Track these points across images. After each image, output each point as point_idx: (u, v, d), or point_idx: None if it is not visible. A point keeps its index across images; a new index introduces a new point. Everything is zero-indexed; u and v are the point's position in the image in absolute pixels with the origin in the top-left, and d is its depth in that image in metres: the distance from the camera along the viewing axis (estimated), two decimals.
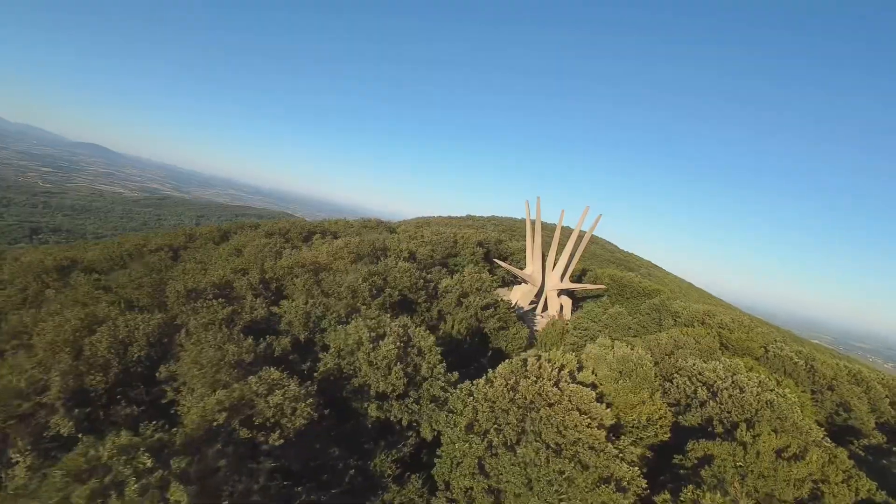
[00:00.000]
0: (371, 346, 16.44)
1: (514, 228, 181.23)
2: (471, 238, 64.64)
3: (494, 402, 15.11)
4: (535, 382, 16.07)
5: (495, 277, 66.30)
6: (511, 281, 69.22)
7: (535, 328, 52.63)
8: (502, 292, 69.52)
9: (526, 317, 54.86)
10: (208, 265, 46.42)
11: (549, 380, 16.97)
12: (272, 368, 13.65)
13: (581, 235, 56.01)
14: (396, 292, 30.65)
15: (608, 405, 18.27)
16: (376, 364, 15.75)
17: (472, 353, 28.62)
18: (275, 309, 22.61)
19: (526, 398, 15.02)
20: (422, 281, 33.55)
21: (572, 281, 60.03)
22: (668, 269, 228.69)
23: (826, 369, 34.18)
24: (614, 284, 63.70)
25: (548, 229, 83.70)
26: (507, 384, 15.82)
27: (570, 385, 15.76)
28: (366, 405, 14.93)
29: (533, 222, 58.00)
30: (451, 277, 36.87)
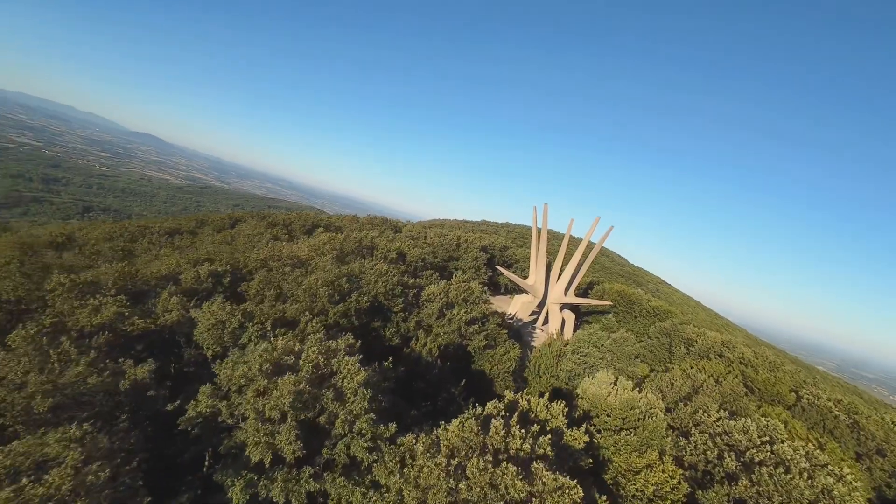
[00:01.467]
0: (266, 382, 10.73)
1: (525, 236, 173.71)
2: (474, 242, 58.38)
3: (427, 493, 9.18)
4: (493, 464, 9.98)
5: (488, 288, 59.94)
6: (514, 289, 62.64)
7: (531, 342, 46.02)
8: (503, 300, 63.02)
9: (524, 329, 48.33)
10: (175, 253, 41.64)
11: (518, 453, 10.86)
12: (72, 426, 8.10)
13: (590, 247, 49.15)
14: (366, 298, 24.81)
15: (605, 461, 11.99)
16: (264, 413, 10.05)
17: (445, 379, 22.52)
18: (195, 313, 17.13)
19: (473, 492, 9.04)
20: (399, 287, 27.57)
21: (577, 295, 53.14)
22: (675, 286, 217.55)
23: (874, 427, 26.81)
24: (622, 301, 56.52)
25: (556, 238, 76.68)
26: (450, 462, 9.84)
27: (545, 473, 9.63)
28: (231, 481, 9.16)
29: (539, 230, 51.44)
30: (439, 284, 30.85)
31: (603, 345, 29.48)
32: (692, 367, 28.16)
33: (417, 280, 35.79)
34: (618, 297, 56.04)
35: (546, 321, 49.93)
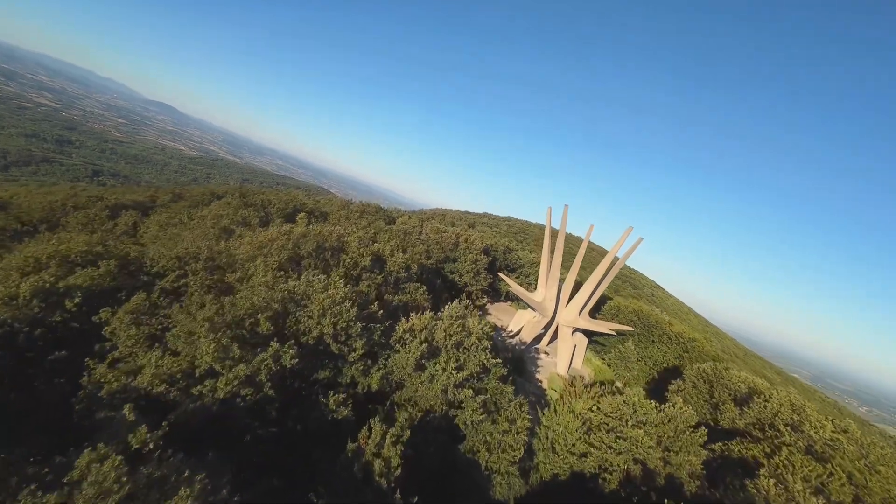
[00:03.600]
0: None
1: (526, 232, 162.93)
2: (475, 242, 47.81)
3: None
4: None
5: (487, 295, 49.86)
6: (517, 296, 52.39)
7: (536, 373, 36.07)
8: (503, 309, 52.93)
9: (527, 354, 38.37)
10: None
11: None
12: None
13: (614, 262, 38.75)
14: (292, 346, 14.42)
15: None
16: None
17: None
18: None
19: None
20: (357, 325, 16.99)
21: (592, 316, 43.09)
22: (668, 290, 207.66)
23: None
24: (639, 322, 46.41)
25: (568, 244, 65.54)
26: None
27: None
28: None
29: (554, 235, 41.04)
30: (419, 316, 20.48)
31: (649, 418, 19.44)
32: (781, 467, 18.20)
33: (398, 298, 25.43)
34: (634, 317, 45.94)
35: (554, 337, 39.90)
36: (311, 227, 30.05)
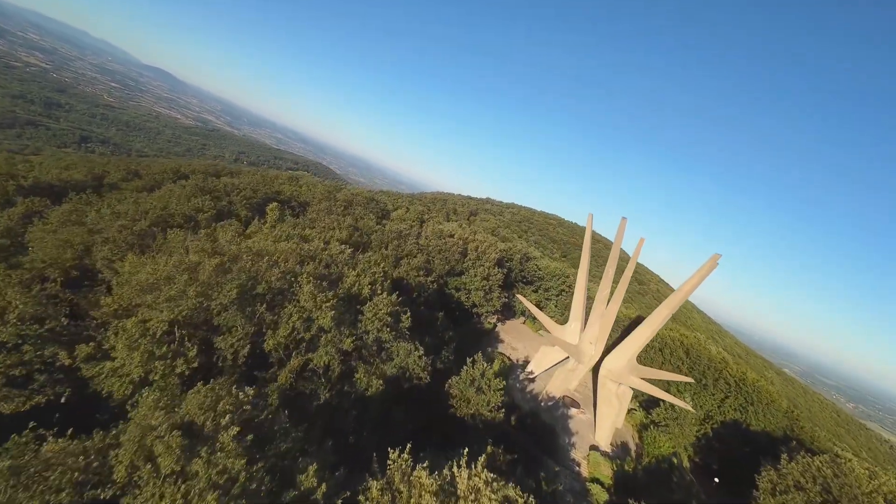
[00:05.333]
0: None
1: (530, 221, 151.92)
2: (488, 252, 37.53)
3: None
4: None
5: (498, 314, 40.02)
6: (534, 316, 42.52)
7: (569, 448, 26.20)
8: (517, 329, 42.90)
9: (555, 411, 28.81)
10: None
11: None
12: None
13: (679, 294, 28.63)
14: None
15: None
16: None
17: None
18: None
19: None
20: None
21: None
22: (670, 284, 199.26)
23: None
24: (687, 359, 37.00)
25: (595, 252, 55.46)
26: None
27: None
28: None
29: (594, 241, 30.73)
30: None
31: None
32: None
33: (379, 372, 15.39)
34: (683, 355, 36.38)
35: (592, 392, 30.28)
36: (244, 244, 19.57)
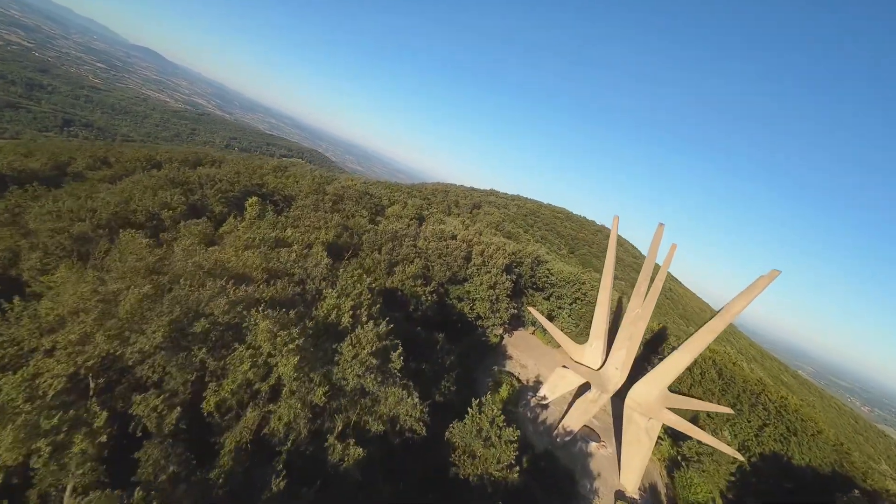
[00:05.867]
0: None
1: (537, 214, 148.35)
2: (495, 256, 34.23)
3: None
4: None
5: (505, 326, 36.95)
6: (546, 330, 39.39)
7: (592, 497, 22.99)
8: (525, 340, 39.72)
9: (571, 448, 25.72)
10: None
11: None
12: None
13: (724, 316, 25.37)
14: None
15: None
16: None
17: None
18: None
19: None
20: None
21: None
22: (684, 283, 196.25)
23: None
24: (719, 381, 33.95)
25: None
26: None
27: None
28: None
29: (615, 247, 27.38)
30: None
31: None
32: None
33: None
34: (715, 376, 33.27)
35: (618, 428, 27.20)
36: (198, 257, 16.26)
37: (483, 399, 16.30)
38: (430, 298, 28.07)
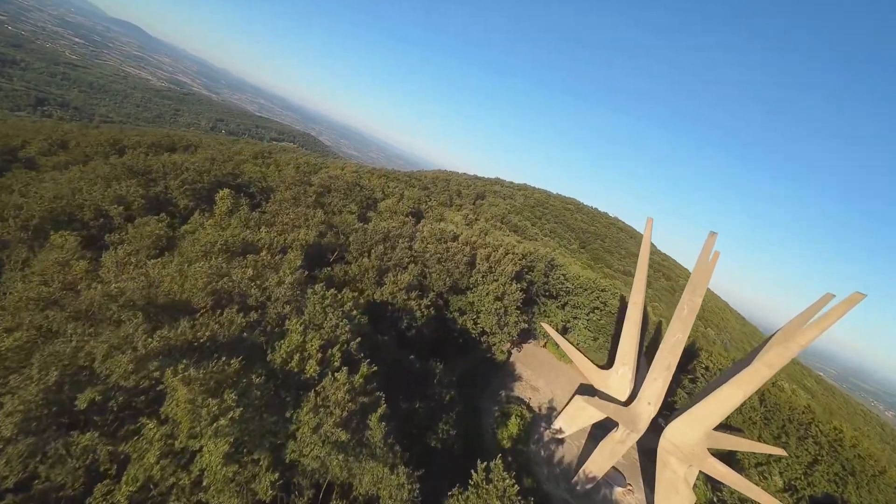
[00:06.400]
0: None
1: (545, 205, 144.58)
2: (503, 261, 30.94)
3: None
4: None
5: (513, 342, 33.87)
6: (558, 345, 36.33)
7: None
8: (534, 354, 36.51)
9: (594, 497, 22.67)
10: None
11: None
12: None
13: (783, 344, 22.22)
14: None
15: None
16: None
17: None
18: None
19: None
20: None
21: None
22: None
23: None
24: (762, 408, 31.01)
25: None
26: None
27: None
28: None
29: (648, 255, 24.04)
30: None
31: None
32: None
33: None
34: (757, 403, 30.28)
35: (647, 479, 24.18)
36: (128, 276, 13.04)
37: (491, 464, 13.24)
38: (426, 313, 24.91)
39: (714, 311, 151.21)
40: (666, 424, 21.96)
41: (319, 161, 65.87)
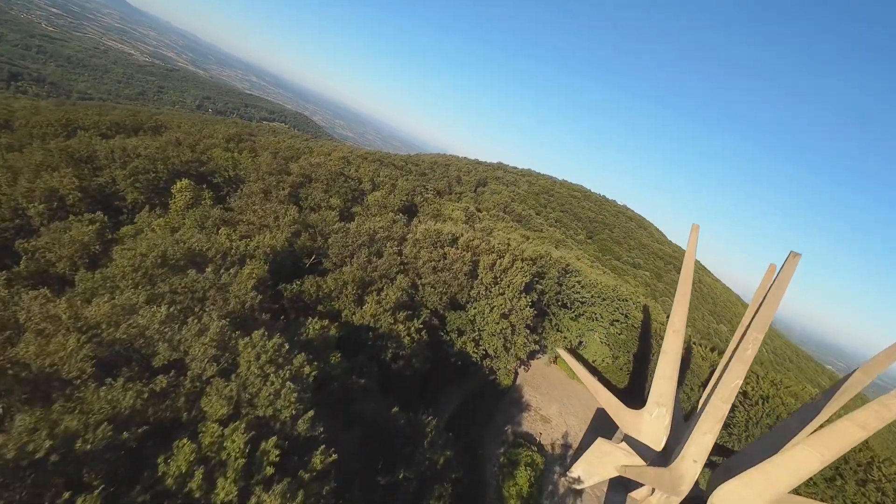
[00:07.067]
0: None
1: (551, 193, 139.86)
2: (511, 271, 26.94)
3: None
4: None
5: (522, 364, 29.70)
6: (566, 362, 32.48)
7: None
8: (541, 372, 32.32)
9: None
10: None
11: None
12: None
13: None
14: None
15: None
16: None
17: None
18: None
19: None
20: None
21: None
22: (712, 272, 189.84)
23: None
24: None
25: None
26: None
27: None
28: None
29: (692, 271, 19.86)
30: None
31: None
32: None
33: None
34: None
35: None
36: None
37: None
38: (416, 338, 20.98)
39: (726, 306, 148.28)
40: (712, 484, 18.25)
41: (304, 145, 61.23)
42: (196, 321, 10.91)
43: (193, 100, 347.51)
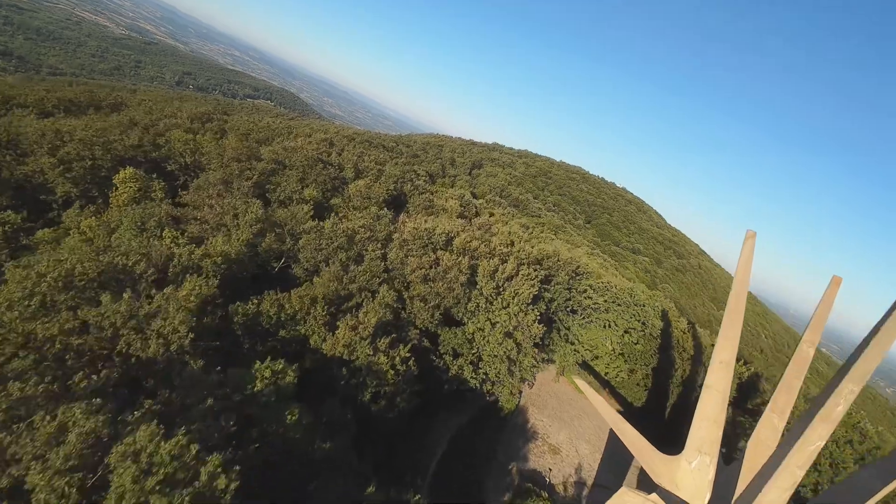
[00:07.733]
0: None
1: (549, 175, 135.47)
2: (518, 280, 23.15)
3: None
4: None
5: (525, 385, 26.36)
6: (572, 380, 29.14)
7: None
8: (550, 390, 28.80)
9: None
10: None
11: None
12: None
13: None
14: None
15: None
16: None
17: None
18: None
19: None
20: None
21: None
22: (712, 257, 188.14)
23: None
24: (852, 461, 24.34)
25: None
26: None
27: None
28: None
29: (746, 288, 16.12)
30: None
31: None
32: None
33: None
34: (844, 448, 23.63)
35: None
36: None
37: None
38: (402, 370, 17.19)
39: (727, 292, 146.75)
40: None
41: (284, 125, 56.19)
42: (50, 421, 6.96)
43: (173, 75, 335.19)
